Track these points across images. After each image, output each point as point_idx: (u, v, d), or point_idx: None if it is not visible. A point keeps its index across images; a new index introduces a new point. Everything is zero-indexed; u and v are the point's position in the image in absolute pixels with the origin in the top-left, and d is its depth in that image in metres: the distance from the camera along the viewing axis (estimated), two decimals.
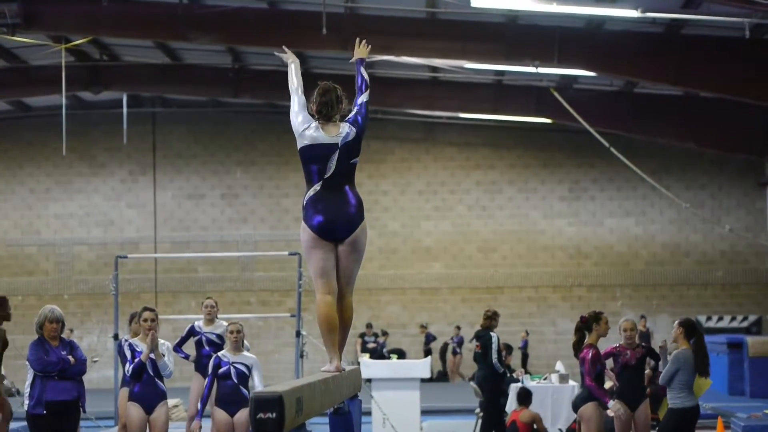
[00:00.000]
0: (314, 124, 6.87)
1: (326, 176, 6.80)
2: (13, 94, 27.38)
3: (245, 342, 12.11)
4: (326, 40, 19.78)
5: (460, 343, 28.77)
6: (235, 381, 11.45)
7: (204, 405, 11.71)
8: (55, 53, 22.76)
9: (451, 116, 28.83)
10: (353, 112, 6.97)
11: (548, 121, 26.63)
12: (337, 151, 6.79)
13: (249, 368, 11.53)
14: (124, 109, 27.22)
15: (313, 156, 6.80)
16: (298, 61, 7.24)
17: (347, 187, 6.83)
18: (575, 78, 24.11)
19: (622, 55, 20.83)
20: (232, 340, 11.67)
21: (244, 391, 11.38)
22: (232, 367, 11.49)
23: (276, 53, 7.53)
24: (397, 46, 21.36)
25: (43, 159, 29.57)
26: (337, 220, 6.75)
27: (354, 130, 6.89)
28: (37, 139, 29.46)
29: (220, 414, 11.51)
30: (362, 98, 7.02)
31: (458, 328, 28.99)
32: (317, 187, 6.80)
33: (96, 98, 27.98)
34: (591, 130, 22.02)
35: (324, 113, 6.88)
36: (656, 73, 21.27)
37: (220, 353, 11.78)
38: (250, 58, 25.42)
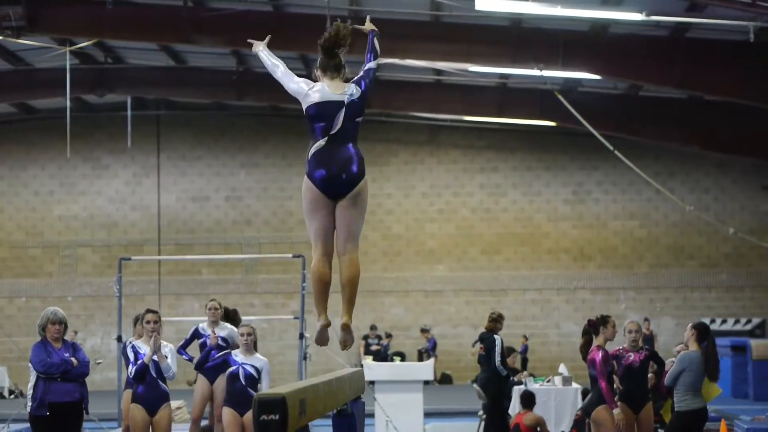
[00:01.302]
0: (319, 83, 6.99)
1: (332, 132, 6.88)
2: (18, 97, 27.40)
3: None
4: None
5: (433, 347, 28.72)
6: (243, 383, 11.47)
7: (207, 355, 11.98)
8: (59, 56, 22.78)
9: (456, 119, 28.82)
10: (360, 75, 7.11)
11: (552, 124, 26.62)
12: (344, 109, 6.88)
13: (259, 371, 11.54)
14: (128, 112, 27.23)
15: (320, 113, 6.90)
16: (263, 44, 7.29)
17: (351, 145, 6.90)
18: (579, 81, 24.09)
19: (626, 58, 20.82)
20: (242, 342, 11.70)
21: (252, 392, 11.37)
22: (241, 368, 11.51)
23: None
24: (401, 49, 21.36)
25: (47, 161, 29.59)
26: (339, 175, 6.81)
27: (359, 91, 6.99)
28: (42, 141, 29.47)
29: (230, 413, 11.53)
30: (370, 64, 7.18)
31: (427, 331, 28.94)
32: (322, 142, 6.87)
33: (100, 101, 28.01)
34: (595, 133, 22.01)
35: (327, 56, 7.01)
36: (661, 76, 21.25)
37: (233, 352, 11.83)
38: (254, 60, 25.39)
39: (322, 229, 6.84)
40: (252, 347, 11.68)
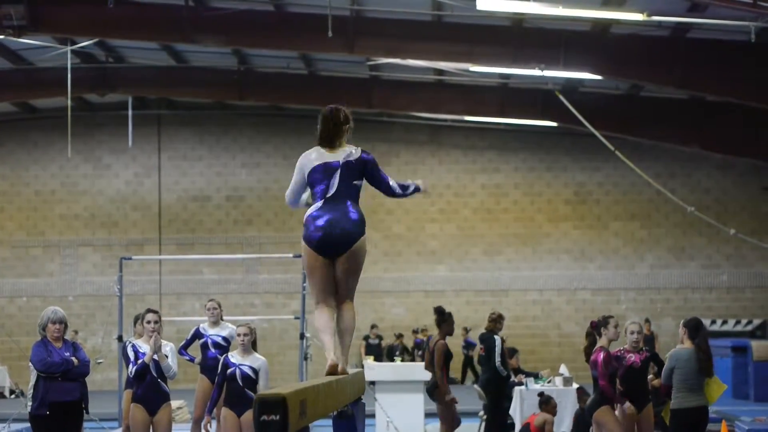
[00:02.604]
0: (317, 149, 7.00)
1: (328, 195, 6.89)
2: (19, 96, 27.41)
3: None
4: (332, 43, 19.80)
5: (402, 351, 28.64)
6: (240, 384, 11.42)
7: (213, 405, 11.68)
8: (61, 55, 22.78)
9: (457, 119, 28.81)
10: (371, 160, 7.08)
11: (553, 124, 26.61)
12: (339, 169, 6.88)
13: (256, 371, 11.47)
14: (130, 111, 27.23)
15: (317, 176, 6.93)
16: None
17: (349, 205, 6.89)
18: (581, 81, 24.10)
19: (627, 58, 20.82)
20: (239, 342, 11.66)
21: (250, 393, 11.32)
22: (238, 369, 11.47)
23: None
24: (402, 48, 21.38)
25: (48, 160, 29.60)
26: (334, 234, 6.82)
27: (360, 155, 6.99)
28: (43, 140, 29.48)
29: (228, 413, 11.50)
30: (389, 184, 7.23)
31: (416, 332, 28.93)
32: (318, 204, 6.90)
33: (101, 100, 28.01)
34: (596, 133, 22.00)
35: (326, 140, 6.99)
36: (662, 76, 21.26)
37: (229, 354, 11.77)
38: (256, 60, 25.43)
39: (321, 285, 6.92)
40: (249, 347, 11.61)
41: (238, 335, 11.68)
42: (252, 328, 11.76)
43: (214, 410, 11.80)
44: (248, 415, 11.31)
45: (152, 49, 24.45)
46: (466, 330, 28.29)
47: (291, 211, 29.39)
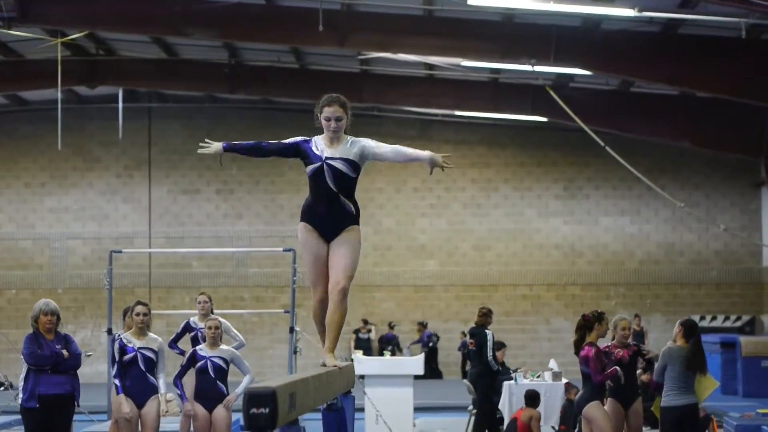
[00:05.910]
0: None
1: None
2: (9, 88, 27.32)
3: (240, 336, 12.09)
4: (323, 37, 19.79)
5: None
6: (213, 376, 11.43)
7: (179, 377, 11.70)
8: (51, 47, 22.73)
9: (447, 114, 28.80)
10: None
11: (544, 119, 26.63)
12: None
13: (227, 362, 11.49)
14: (120, 104, 27.18)
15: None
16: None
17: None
18: (571, 77, 24.11)
19: (618, 54, 20.84)
20: (209, 335, 11.71)
21: (221, 386, 11.35)
22: (209, 362, 11.48)
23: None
24: (393, 43, 21.37)
25: (38, 153, 29.52)
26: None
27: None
28: (33, 133, 29.40)
29: (198, 409, 11.52)
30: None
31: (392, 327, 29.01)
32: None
33: (92, 93, 27.95)
34: (586, 128, 22.02)
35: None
36: (652, 72, 21.28)
37: (197, 347, 11.82)
38: (247, 53, 25.40)
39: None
40: (218, 341, 11.69)
41: (209, 329, 11.75)
42: (221, 322, 11.85)
43: (186, 403, 11.78)
44: (219, 410, 11.35)
45: (143, 41, 24.41)
46: (423, 325, 28.62)
47: (281, 205, 29.51)
